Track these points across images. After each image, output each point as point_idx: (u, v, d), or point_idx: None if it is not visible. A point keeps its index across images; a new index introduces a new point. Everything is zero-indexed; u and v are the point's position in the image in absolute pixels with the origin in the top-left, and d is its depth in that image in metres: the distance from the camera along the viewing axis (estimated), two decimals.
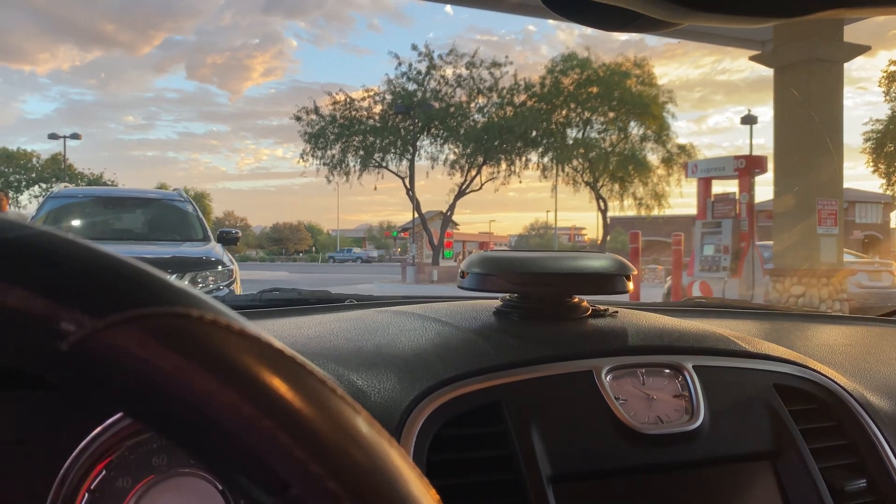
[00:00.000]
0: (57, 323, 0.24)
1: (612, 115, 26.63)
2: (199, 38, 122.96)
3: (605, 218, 28.40)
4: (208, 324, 0.25)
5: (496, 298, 0.85)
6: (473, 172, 27.59)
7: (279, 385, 0.25)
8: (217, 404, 0.25)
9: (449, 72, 26.97)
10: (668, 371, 0.71)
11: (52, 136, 35.32)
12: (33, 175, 40.83)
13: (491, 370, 0.66)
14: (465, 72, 26.85)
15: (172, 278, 0.27)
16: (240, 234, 7.32)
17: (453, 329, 0.76)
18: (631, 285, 0.78)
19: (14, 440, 0.60)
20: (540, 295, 0.79)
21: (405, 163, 27.61)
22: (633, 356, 0.71)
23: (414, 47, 35.20)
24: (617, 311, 0.82)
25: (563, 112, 26.90)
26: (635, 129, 26.97)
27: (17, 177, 40.55)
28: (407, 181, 27.28)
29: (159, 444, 0.60)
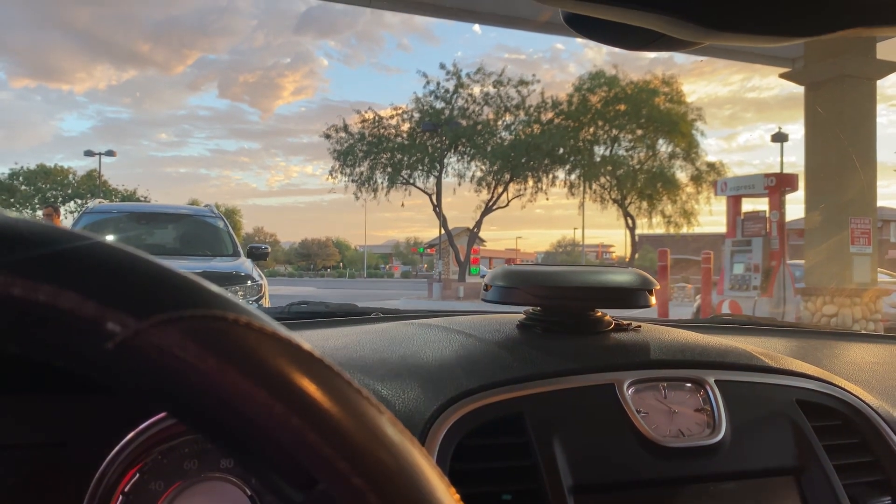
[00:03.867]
0: (104, 324, 0.25)
1: (640, 132, 26.47)
2: (232, 57, 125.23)
3: (633, 235, 28.17)
4: (243, 326, 0.27)
5: (520, 312, 0.86)
6: (500, 189, 27.60)
7: (308, 385, 0.27)
8: (249, 402, 0.26)
9: (476, 90, 27.09)
10: (689, 385, 0.71)
11: (88, 153, 36.14)
12: (69, 191, 41.75)
13: (514, 381, 0.67)
14: (492, 90, 26.94)
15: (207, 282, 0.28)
16: (269, 250, 7.40)
17: (477, 341, 0.77)
18: (654, 300, 0.78)
19: (54, 442, 0.62)
20: (563, 308, 0.80)
21: (432, 180, 27.71)
22: (655, 370, 0.72)
23: (442, 66, 35.41)
24: (640, 326, 0.83)
25: (591, 129, 26.81)
26: (664, 147, 26.76)
27: (54, 192, 41.46)
28: (434, 198, 27.36)
29: (191, 449, 0.62)
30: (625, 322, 0.83)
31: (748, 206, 10.36)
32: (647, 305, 0.78)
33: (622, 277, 0.77)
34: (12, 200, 40.47)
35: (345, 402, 0.28)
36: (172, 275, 0.27)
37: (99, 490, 0.59)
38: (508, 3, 9.22)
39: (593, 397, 0.68)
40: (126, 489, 0.60)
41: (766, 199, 9.87)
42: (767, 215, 9.74)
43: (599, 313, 0.81)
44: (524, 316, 0.83)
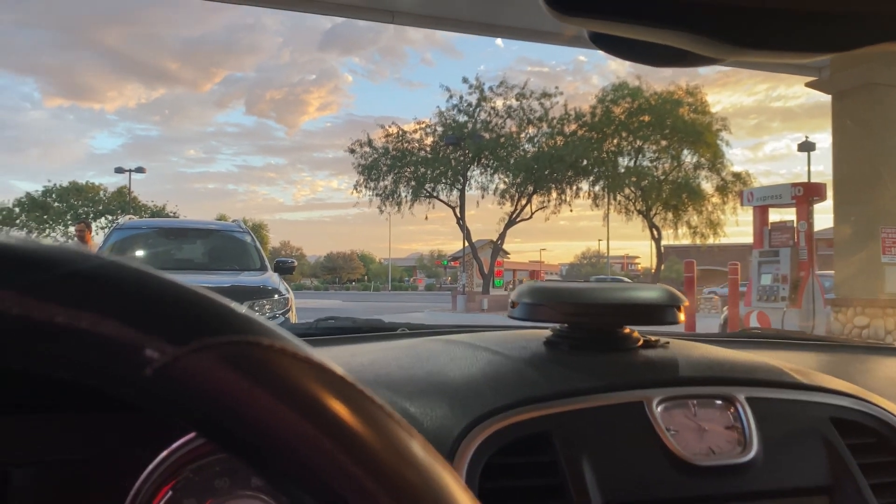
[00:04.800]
0: (143, 350, 0.26)
1: (664, 143, 26.36)
2: (259, 74, 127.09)
3: (658, 247, 27.98)
4: (277, 351, 0.28)
5: (546, 328, 0.86)
6: (524, 201, 27.63)
7: (339, 408, 0.27)
8: (282, 425, 0.27)
9: (499, 103, 27.24)
10: (719, 402, 0.71)
11: (119, 170, 36.82)
12: (100, 207, 42.46)
13: (541, 400, 0.67)
14: (515, 103, 27.09)
15: (243, 308, 0.29)
16: (295, 264, 7.47)
17: (504, 358, 0.77)
18: (682, 316, 0.78)
19: (89, 459, 0.63)
20: (590, 325, 0.79)
21: (456, 193, 27.85)
22: (685, 387, 0.71)
23: (465, 80, 35.35)
24: (668, 342, 0.82)
25: (615, 141, 26.76)
26: (688, 158, 26.64)
27: (86, 209, 42.19)
28: (457, 210, 27.47)
29: (223, 468, 0.62)
30: (653, 339, 0.82)
31: (775, 216, 10.23)
32: (676, 322, 0.77)
33: (651, 294, 0.76)
34: (45, 217, 41.30)
35: (375, 424, 0.28)
36: (209, 301, 0.28)
37: None
38: (535, 18, 9.26)
39: (622, 415, 0.67)
40: None
41: (793, 209, 9.74)
42: (795, 225, 9.61)
43: (627, 330, 0.81)
44: (551, 333, 0.83)
